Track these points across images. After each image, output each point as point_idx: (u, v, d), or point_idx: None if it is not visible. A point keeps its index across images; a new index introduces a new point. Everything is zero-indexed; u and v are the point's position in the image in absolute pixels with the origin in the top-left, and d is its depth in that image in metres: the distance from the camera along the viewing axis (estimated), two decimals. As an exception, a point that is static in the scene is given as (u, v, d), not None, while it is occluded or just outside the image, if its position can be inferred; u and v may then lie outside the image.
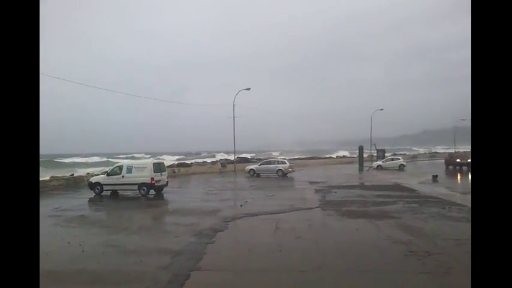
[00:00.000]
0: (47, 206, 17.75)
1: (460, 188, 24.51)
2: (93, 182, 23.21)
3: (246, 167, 38.88)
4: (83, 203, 19.74)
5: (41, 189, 25.15)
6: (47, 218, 14.71)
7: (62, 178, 29.67)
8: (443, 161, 49.51)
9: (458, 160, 42.66)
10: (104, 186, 22.49)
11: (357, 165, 51.41)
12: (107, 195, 22.31)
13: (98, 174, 25.43)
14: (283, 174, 35.15)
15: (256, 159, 57.99)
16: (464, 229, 11.41)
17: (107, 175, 22.79)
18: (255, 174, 36.24)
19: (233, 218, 14.17)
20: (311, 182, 28.32)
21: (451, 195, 20.09)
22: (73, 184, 28.45)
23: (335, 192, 21.96)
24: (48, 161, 62.93)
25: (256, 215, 14.81)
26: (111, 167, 23.62)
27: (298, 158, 67.99)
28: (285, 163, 36.86)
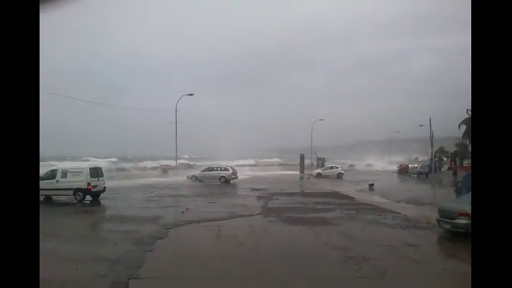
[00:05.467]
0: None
1: (395, 195, 25.03)
2: (23, 186, 21.81)
3: (188, 173, 38.45)
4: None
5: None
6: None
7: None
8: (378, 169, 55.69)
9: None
10: (35, 191, 21.22)
11: (297, 173, 52.80)
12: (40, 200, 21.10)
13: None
14: (226, 181, 35.16)
15: (199, 165, 57.46)
16: (397, 235, 12.04)
17: (40, 179, 21.50)
18: (197, 181, 35.94)
19: (174, 225, 13.92)
20: (253, 189, 28.53)
21: (385, 203, 21.04)
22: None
23: (276, 199, 22.30)
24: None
25: (198, 222, 14.66)
26: (45, 171, 22.38)
27: (241, 165, 68.15)
28: (228, 170, 36.87)
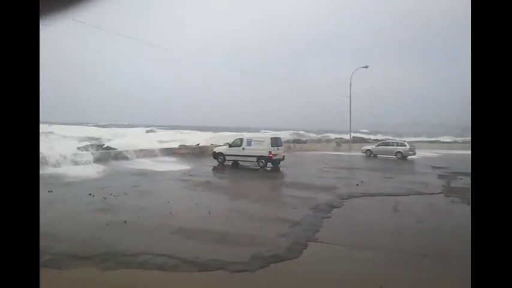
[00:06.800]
0: (179, 171, 19.85)
1: None
2: (216, 152, 25.08)
3: (363, 147, 38.00)
4: (208, 171, 21.51)
5: (172, 155, 28.14)
6: (178, 181, 16.49)
7: (190, 147, 32.51)
8: None
9: None
10: (226, 156, 24.20)
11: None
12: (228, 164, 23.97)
13: (221, 145, 27.17)
14: (403, 157, 33.61)
15: (373, 139, 56.07)
16: None
17: (229, 146, 24.41)
18: (372, 155, 35.29)
19: (349, 196, 14.15)
20: (434, 167, 26.68)
21: None
22: (199, 153, 30.97)
23: (461, 179, 20.46)
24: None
25: (373, 195, 14.57)
26: (233, 139, 25.18)
27: (418, 141, 63.79)
28: (405, 145, 35.05)
